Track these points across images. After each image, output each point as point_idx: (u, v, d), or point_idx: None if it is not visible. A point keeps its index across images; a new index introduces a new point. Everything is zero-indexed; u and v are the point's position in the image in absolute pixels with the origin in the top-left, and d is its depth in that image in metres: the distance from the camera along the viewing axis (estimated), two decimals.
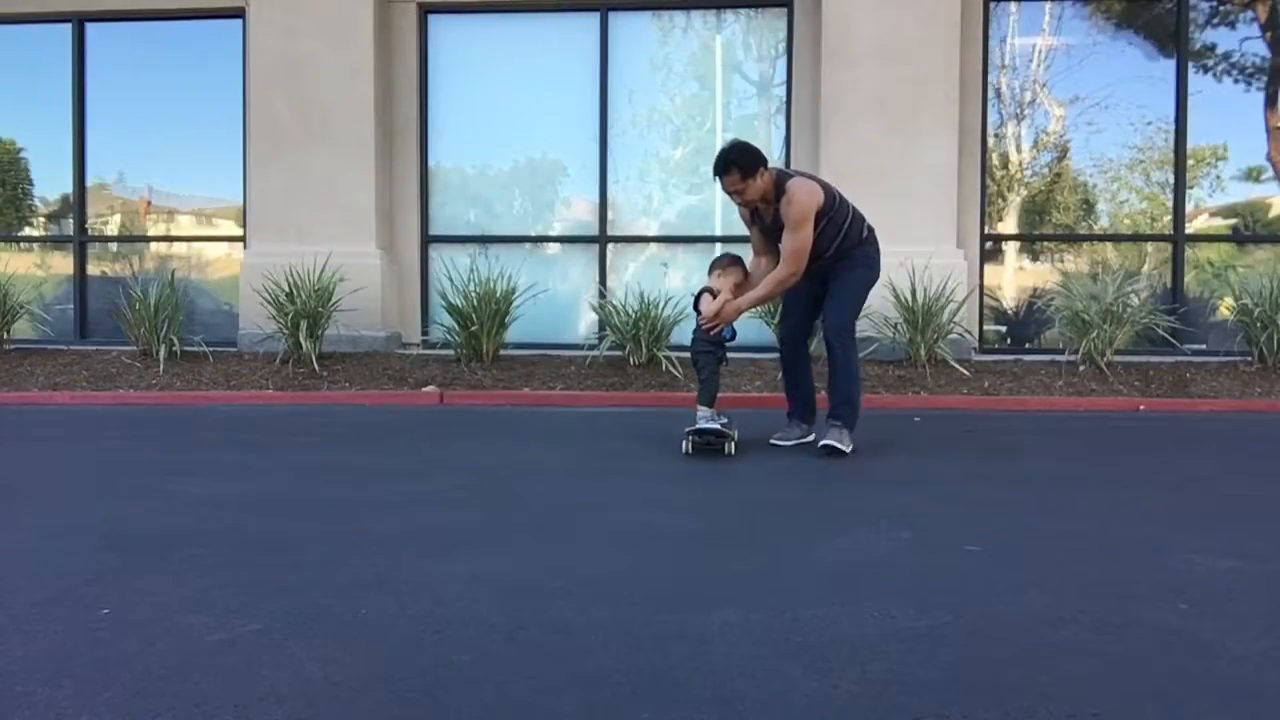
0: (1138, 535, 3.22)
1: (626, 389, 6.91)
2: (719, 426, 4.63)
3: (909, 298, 7.17)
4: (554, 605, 2.48)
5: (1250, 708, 1.92)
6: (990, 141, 8.37)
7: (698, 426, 4.63)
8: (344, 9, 8.30)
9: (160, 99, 9.02)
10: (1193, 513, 3.55)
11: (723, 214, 8.43)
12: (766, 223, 4.70)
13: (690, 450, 4.61)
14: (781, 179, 4.59)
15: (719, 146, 8.57)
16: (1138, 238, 8.49)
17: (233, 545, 3.09)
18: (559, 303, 8.61)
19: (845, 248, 4.67)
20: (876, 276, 4.80)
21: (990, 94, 8.31)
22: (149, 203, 9.39)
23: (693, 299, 4.84)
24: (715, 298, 4.67)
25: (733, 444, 4.63)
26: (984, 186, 8.26)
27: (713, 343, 4.68)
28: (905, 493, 3.85)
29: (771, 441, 4.83)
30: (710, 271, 4.85)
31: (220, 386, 7.17)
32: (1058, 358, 7.36)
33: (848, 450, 4.54)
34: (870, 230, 4.77)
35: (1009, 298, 8.61)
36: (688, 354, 5.25)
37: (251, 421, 5.98)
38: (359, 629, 2.34)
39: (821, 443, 4.59)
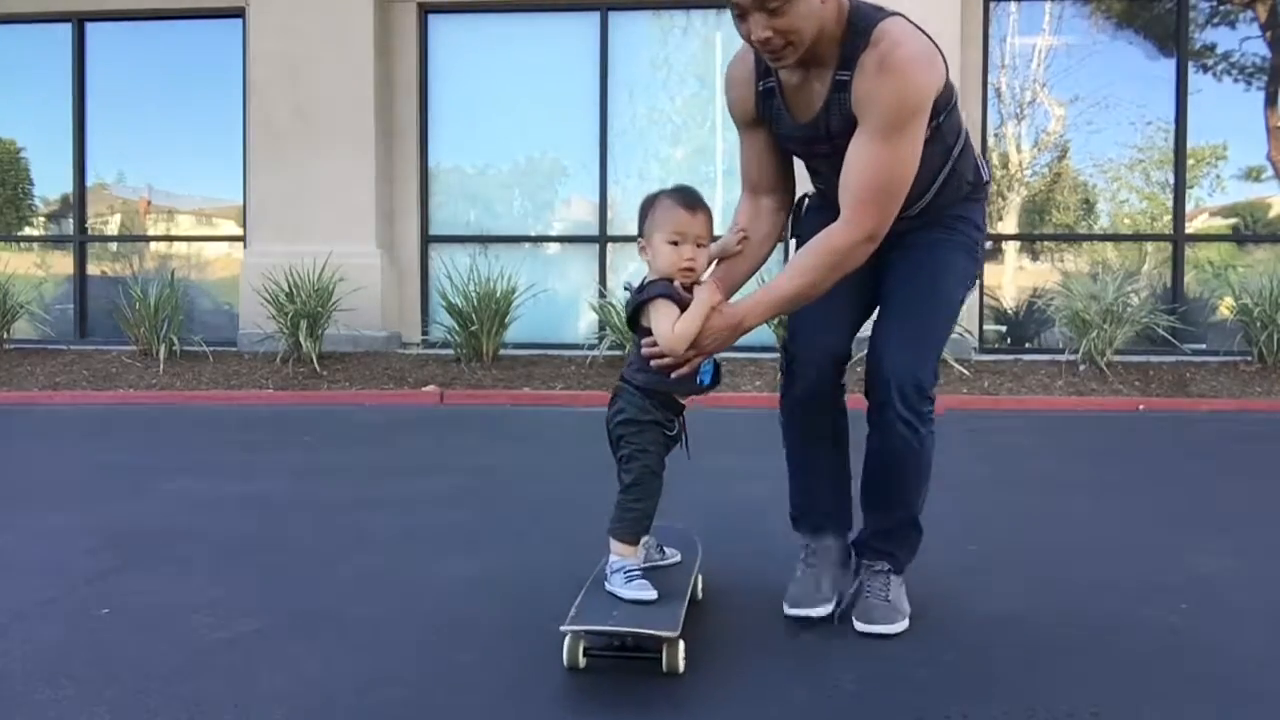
0: (1138, 535, 3.22)
1: None
2: (636, 618, 2.06)
3: None
4: (554, 605, 2.48)
5: (1250, 708, 1.92)
6: (990, 141, 8.37)
7: (604, 627, 2.06)
8: (344, 9, 8.30)
9: (160, 99, 9.02)
10: (1193, 513, 3.55)
11: (724, 214, 8.42)
12: (792, 119, 2.26)
13: (581, 664, 2.07)
14: (862, 18, 2.15)
15: (719, 146, 8.70)
16: (1138, 238, 8.49)
17: (233, 545, 3.09)
18: (559, 302, 8.61)
19: (947, 197, 2.32)
20: (979, 272, 2.54)
21: (990, 94, 8.31)
22: (149, 203, 9.39)
23: (626, 302, 2.27)
24: (679, 304, 2.15)
25: (679, 651, 2.03)
26: None
27: (662, 399, 2.20)
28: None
29: (787, 612, 2.37)
30: (646, 229, 2.21)
31: (220, 386, 7.17)
32: (1058, 358, 7.36)
33: (904, 626, 2.31)
34: (990, 170, 2.49)
35: (1009, 297, 8.61)
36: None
37: (251, 421, 5.98)
38: (359, 629, 2.34)
39: (862, 625, 2.29)
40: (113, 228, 9.44)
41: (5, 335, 8.40)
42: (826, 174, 2.29)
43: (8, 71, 9.25)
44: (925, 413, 2.25)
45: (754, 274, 2.39)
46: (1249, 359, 7.28)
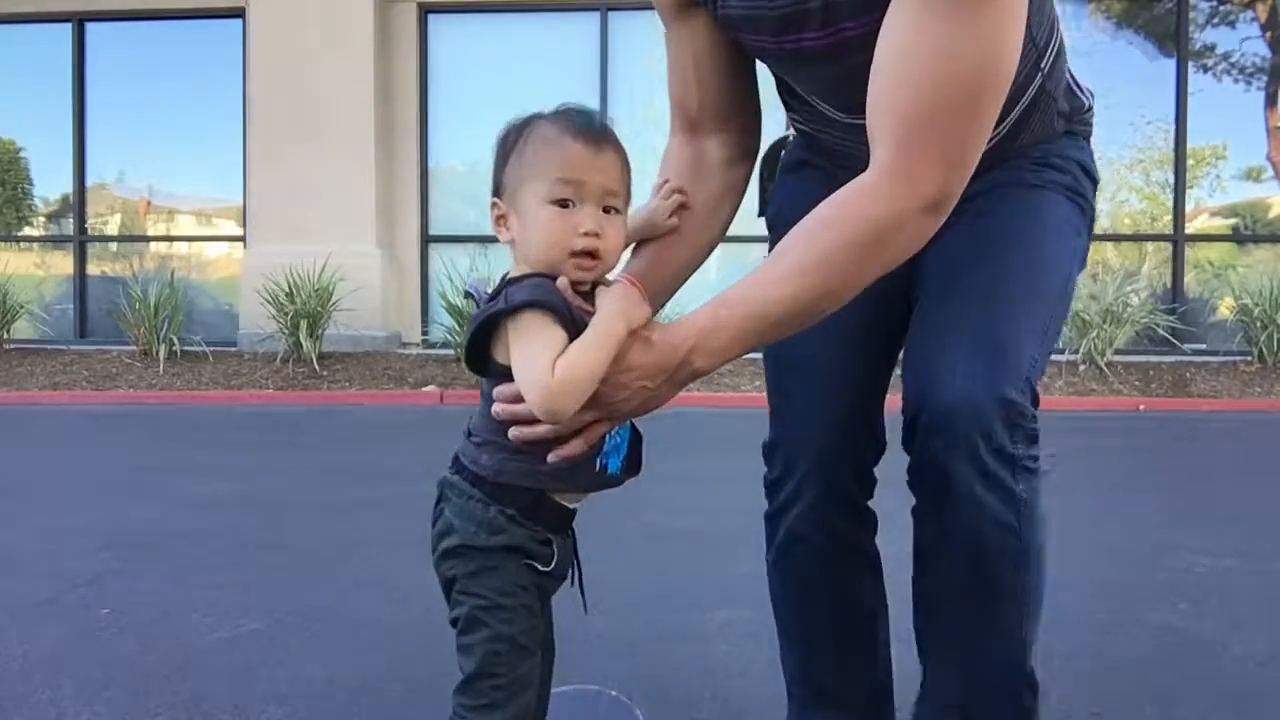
0: (1138, 535, 3.22)
1: None
2: None
3: None
4: (554, 605, 2.48)
5: (1250, 708, 1.92)
6: None
7: None
8: (344, 9, 8.30)
9: (160, 99, 9.02)
10: (1193, 513, 3.55)
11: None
12: None
13: None
14: None
15: None
16: (1138, 238, 8.49)
17: (233, 545, 3.09)
18: None
19: (1032, 133, 1.32)
20: (1088, 244, 1.40)
21: None
22: (149, 203, 9.39)
23: (471, 318, 1.15)
24: (567, 322, 1.08)
25: None
26: None
27: (529, 504, 1.16)
28: (904, 494, 3.85)
29: None
30: (507, 179, 1.17)
31: (220, 386, 7.17)
32: (1058, 358, 7.36)
33: None
34: (1090, 93, 1.41)
35: None
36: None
37: (251, 421, 5.98)
38: (359, 629, 2.33)
39: None
40: (113, 228, 9.44)
41: (5, 335, 8.41)
42: (823, 93, 1.29)
43: (8, 71, 9.26)
44: (1024, 459, 1.26)
45: (698, 267, 1.36)
46: (1249, 359, 7.28)
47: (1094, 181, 1.39)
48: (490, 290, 1.14)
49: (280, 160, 8.38)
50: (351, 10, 8.30)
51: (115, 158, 9.25)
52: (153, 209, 9.41)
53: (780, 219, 1.31)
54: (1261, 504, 3.72)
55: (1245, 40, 8.42)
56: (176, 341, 7.87)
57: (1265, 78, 8.47)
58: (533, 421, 1.09)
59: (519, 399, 1.08)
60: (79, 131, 9.09)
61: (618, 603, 2.51)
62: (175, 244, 9.41)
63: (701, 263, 1.37)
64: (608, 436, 1.15)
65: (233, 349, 8.17)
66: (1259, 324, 7.17)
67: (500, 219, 1.17)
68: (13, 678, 2.04)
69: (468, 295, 1.21)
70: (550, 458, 1.12)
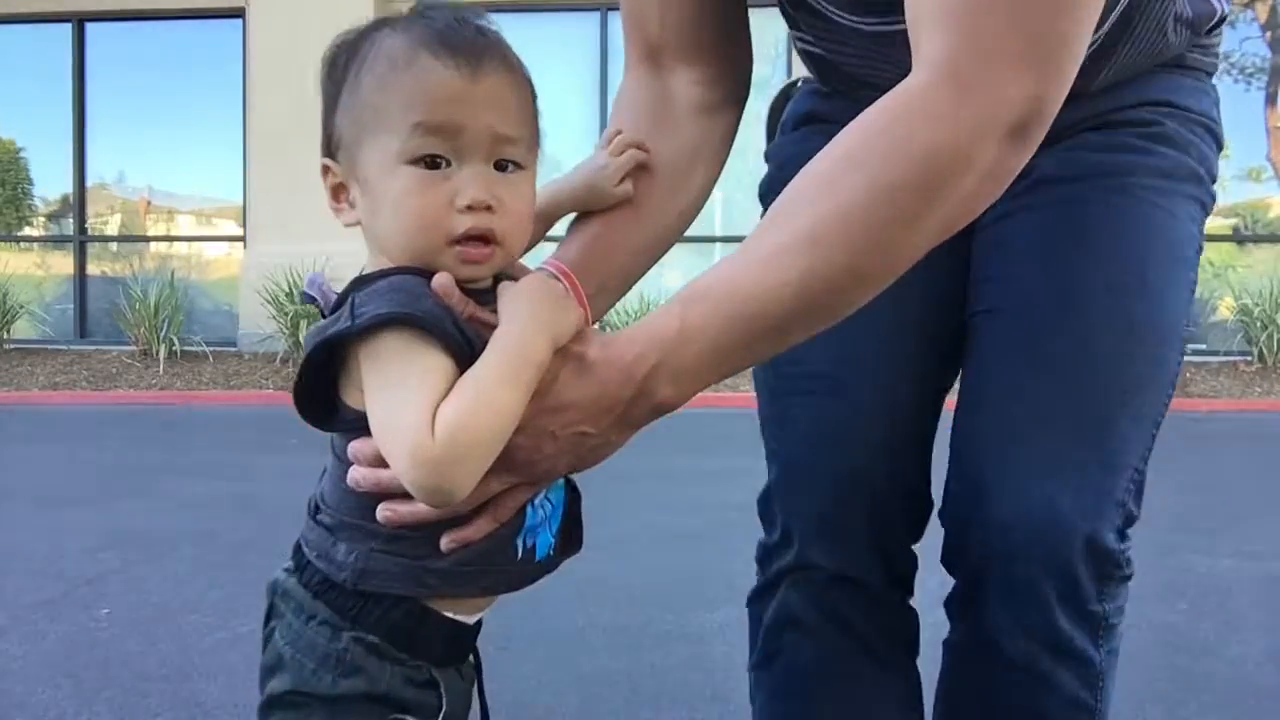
0: (1138, 535, 3.22)
1: None
2: None
3: None
4: (553, 605, 2.48)
5: (1250, 708, 1.92)
6: None
7: None
8: (344, 9, 8.22)
9: (160, 99, 9.02)
10: (1193, 513, 3.55)
11: (723, 212, 8.44)
12: None
13: None
14: None
15: None
16: None
17: (233, 545, 3.09)
18: None
19: (1138, 54, 0.89)
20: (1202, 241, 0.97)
21: None
22: (149, 203, 9.39)
23: (305, 341, 0.73)
24: (451, 343, 0.67)
25: None
26: None
27: (401, 620, 0.74)
28: None
29: None
30: (342, 128, 0.75)
31: (220, 386, 7.17)
32: None
33: None
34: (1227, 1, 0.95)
35: None
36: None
37: (251, 421, 5.98)
38: None
39: None
40: (113, 228, 9.44)
41: (5, 335, 8.41)
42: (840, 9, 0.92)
43: (8, 71, 9.25)
44: (1111, 614, 0.99)
45: (662, 254, 0.99)
46: (1249, 359, 7.28)
47: (1217, 143, 0.97)
48: (332, 299, 0.74)
49: (280, 160, 8.38)
50: (352, 10, 8.24)
51: (115, 158, 9.25)
52: (153, 209, 9.41)
53: (775, 189, 0.81)
54: (1261, 504, 3.72)
55: (1245, 40, 8.41)
56: (176, 341, 7.88)
57: (1265, 78, 8.47)
58: (408, 496, 0.67)
59: (381, 463, 0.68)
60: (79, 131, 9.09)
61: (618, 602, 2.51)
62: (175, 244, 9.40)
63: (667, 248, 0.97)
64: (531, 505, 0.74)
65: (232, 349, 8.17)
66: (1259, 324, 7.17)
67: (337, 190, 0.79)
68: (13, 678, 2.04)
69: (306, 298, 0.78)
70: (444, 544, 0.70)
